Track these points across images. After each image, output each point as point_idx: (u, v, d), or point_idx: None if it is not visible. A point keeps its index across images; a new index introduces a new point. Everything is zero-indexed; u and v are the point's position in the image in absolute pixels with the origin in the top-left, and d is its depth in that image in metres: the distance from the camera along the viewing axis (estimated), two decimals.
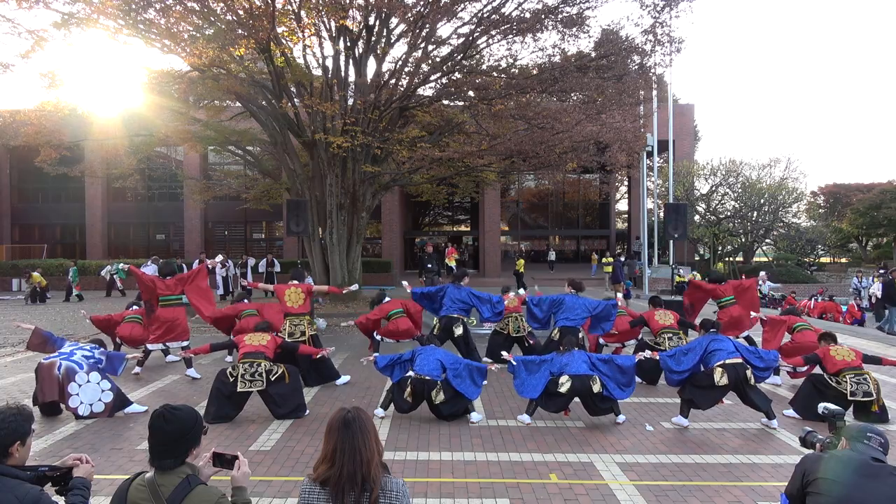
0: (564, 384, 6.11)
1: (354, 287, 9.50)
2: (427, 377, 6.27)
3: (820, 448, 3.11)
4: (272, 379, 6.31)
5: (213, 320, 9.20)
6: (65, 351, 6.60)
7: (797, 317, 8.64)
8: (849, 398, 6.32)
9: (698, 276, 24.24)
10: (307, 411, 6.61)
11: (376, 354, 6.93)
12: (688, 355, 6.37)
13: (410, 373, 6.40)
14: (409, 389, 6.29)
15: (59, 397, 6.30)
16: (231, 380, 6.26)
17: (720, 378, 6.05)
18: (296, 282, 8.64)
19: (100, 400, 6.45)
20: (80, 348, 6.73)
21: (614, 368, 6.36)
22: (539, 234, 39.66)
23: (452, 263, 23.57)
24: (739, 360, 6.13)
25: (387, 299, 9.34)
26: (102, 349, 6.94)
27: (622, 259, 20.69)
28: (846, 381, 6.38)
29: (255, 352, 6.42)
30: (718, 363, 6.11)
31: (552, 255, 33.48)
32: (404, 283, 9.55)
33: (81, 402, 6.34)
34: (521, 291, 12.97)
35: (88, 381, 6.40)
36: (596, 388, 6.12)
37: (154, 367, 8.96)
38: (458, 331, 8.63)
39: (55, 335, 7.06)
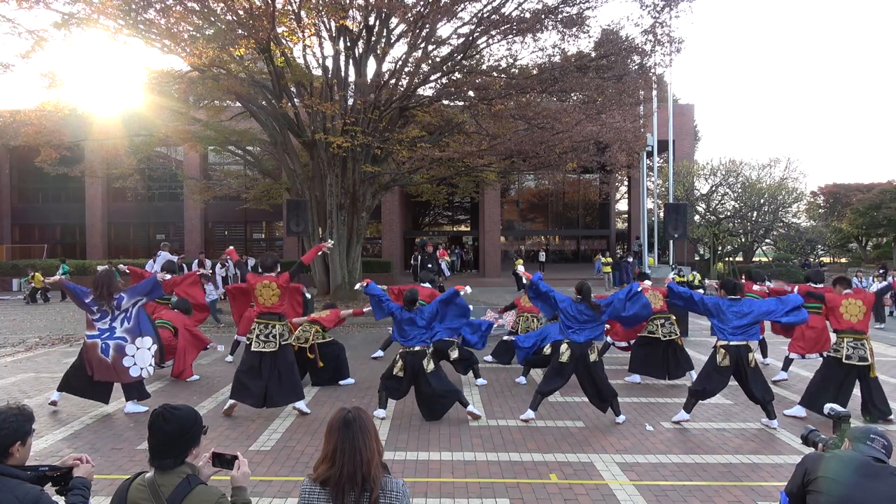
0: (565, 353, 6.28)
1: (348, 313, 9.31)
2: (416, 348, 6.34)
3: (822, 448, 3.11)
4: (282, 343, 6.48)
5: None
6: (104, 328, 6.50)
7: (813, 286, 8.19)
8: (843, 361, 6.35)
9: (699, 277, 24.29)
10: (303, 400, 6.60)
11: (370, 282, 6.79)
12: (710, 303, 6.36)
13: (400, 349, 6.45)
14: (400, 364, 6.36)
15: (116, 377, 6.47)
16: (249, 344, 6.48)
17: (722, 359, 6.11)
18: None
19: (152, 355, 6.70)
20: (115, 318, 6.50)
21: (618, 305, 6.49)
22: (539, 234, 39.66)
23: (445, 265, 23.59)
24: (743, 343, 6.14)
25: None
26: (125, 297, 6.56)
27: (630, 260, 20.57)
28: (843, 346, 6.42)
29: (268, 312, 6.53)
30: (721, 343, 6.15)
31: (542, 256, 33.43)
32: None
33: (142, 368, 6.57)
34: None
35: (138, 349, 6.56)
36: (593, 356, 6.26)
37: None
38: (454, 354, 7.88)
39: (80, 290, 6.60)
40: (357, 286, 7.01)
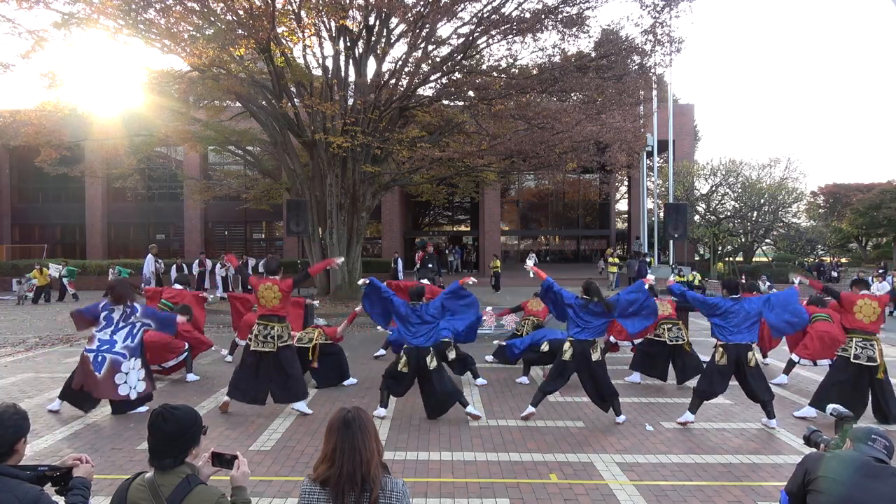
0: (567, 350, 6.27)
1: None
2: (421, 346, 6.35)
3: (824, 448, 3.10)
4: (281, 345, 6.48)
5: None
6: (105, 339, 6.42)
7: (818, 307, 8.28)
8: (851, 360, 6.31)
9: (699, 277, 24.33)
10: (307, 397, 6.63)
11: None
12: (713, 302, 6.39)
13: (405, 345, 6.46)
14: (404, 359, 6.38)
15: (106, 393, 6.37)
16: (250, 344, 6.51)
17: (720, 358, 6.13)
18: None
19: (141, 379, 6.59)
20: (118, 330, 6.48)
21: (623, 303, 6.43)
22: (539, 233, 39.65)
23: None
24: (744, 343, 6.13)
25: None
26: (139, 310, 6.65)
27: (647, 260, 20.43)
28: (852, 345, 6.37)
29: (269, 314, 6.55)
30: (720, 343, 6.16)
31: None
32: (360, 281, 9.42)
33: (131, 388, 6.48)
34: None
35: (133, 368, 6.51)
36: (595, 356, 6.22)
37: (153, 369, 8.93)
38: (451, 355, 7.92)
39: (90, 308, 6.63)
40: (360, 282, 7.00)
